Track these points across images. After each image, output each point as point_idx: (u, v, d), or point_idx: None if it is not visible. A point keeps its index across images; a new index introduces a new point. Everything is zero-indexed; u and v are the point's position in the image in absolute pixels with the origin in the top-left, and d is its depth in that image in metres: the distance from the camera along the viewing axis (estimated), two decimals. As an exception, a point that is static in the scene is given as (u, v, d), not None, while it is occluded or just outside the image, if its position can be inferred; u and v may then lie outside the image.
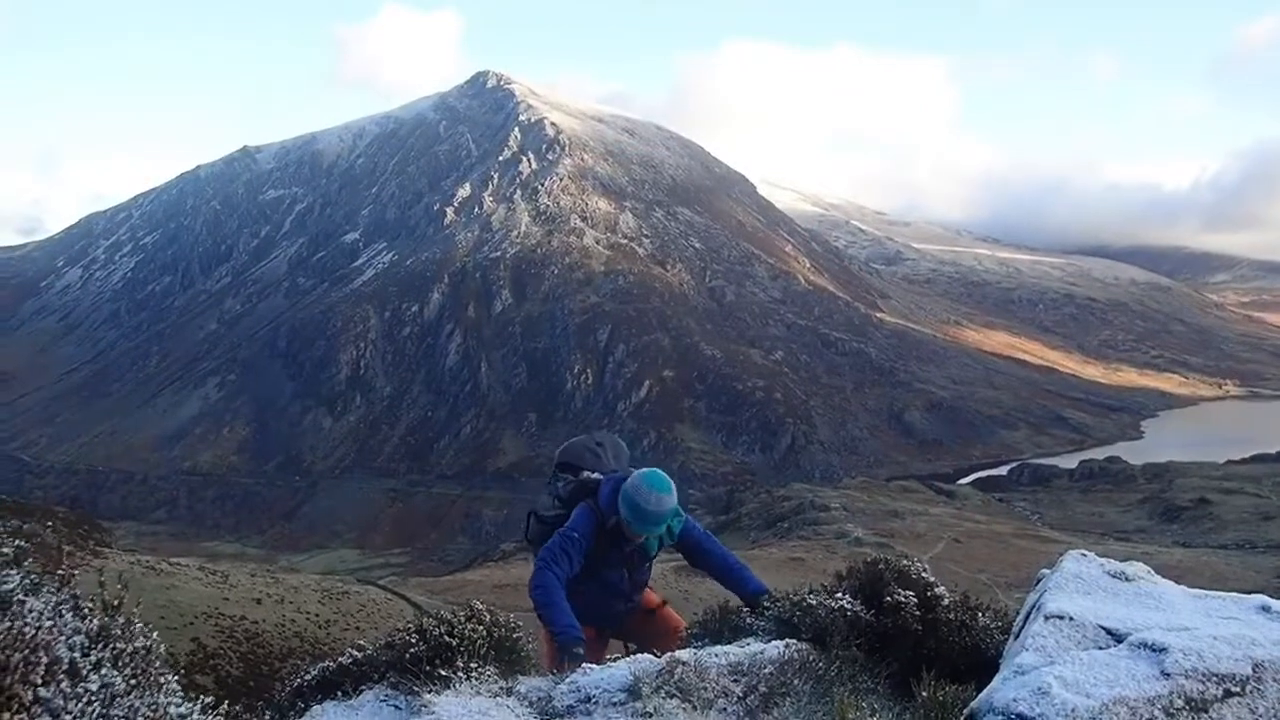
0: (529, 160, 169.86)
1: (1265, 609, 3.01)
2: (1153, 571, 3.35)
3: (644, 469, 5.26)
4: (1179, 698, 2.47)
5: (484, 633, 4.06)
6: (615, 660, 3.96)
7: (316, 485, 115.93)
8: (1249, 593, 3.24)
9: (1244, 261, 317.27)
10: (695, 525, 5.54)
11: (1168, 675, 2.52)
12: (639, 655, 3.89)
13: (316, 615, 27.47)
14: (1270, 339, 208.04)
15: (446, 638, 3.98)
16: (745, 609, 4.90)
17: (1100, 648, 2.78)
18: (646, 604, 5.65)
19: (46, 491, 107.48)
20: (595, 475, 5.51)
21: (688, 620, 5.60)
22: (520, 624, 4.43)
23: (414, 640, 4.02)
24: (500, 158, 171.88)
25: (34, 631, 2.19)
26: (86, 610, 2.52)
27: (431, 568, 79.63)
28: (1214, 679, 2.52)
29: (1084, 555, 3.43)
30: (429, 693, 3.61)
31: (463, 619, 4.12)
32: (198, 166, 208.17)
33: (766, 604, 4.60)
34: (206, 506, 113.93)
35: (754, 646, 3.87)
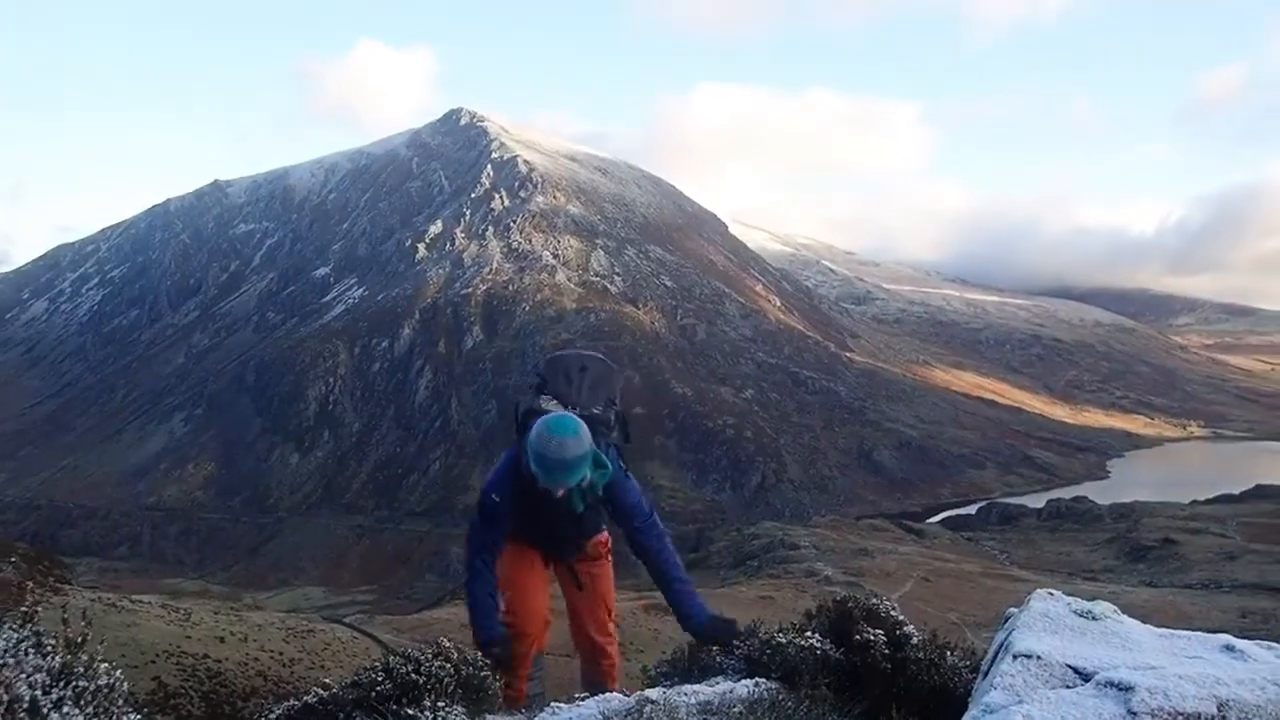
0: (501, 197, 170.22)
1: (1230, 648, 3.04)
2: (1119, 611, 3.37)
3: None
4: (1145, 736, 2.49)
5: (451, 671, 4.03)
6: (583, 699, 3.92)
7: (283, 522, 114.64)
8: (1214, 632, 3.26)
9: (1207, 304, 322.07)
10: (632, 489, 5.07)
11: (1134, 714, 2.54)
12: (608, 695, 3.85)
13: (281, 654, 27.07)
14: (1233, 381, 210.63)
15: (414, 676, 3.95)
16: (714, 648, 4.83)
17: (1068, 686, 2.79)
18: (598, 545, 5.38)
19: (7, 527, 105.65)
20: (549, 407, 5.08)
21: (654, 659, 5.48)
22: (488, 663, 4.40)
23: (381, 679, 3.98)
24: (472, 194, 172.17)
25: (-1, 668, 2.17)
26: (49, 648, 2.48)
27: (399, 605, 78.71)
28: (1180, 718, 2.53)
29: (1051, 594, 3.45)
30: (395, 732, 3.57)
31: (430, 657, 4.09)
32: (168, 200, 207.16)
33: (738, 643, 4.58)
34: (170, 543, 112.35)
35: (723, 685, 3.85)
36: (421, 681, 3.92)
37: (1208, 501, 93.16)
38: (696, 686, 3.86)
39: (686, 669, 4.74)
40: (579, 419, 4.80)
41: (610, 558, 5.40)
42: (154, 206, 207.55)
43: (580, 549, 5.31)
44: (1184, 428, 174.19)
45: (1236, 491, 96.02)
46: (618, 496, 5.04)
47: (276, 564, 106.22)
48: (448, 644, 4.27)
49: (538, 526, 5.06)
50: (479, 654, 4.54)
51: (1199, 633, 3.23)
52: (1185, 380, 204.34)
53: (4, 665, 2.19)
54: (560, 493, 4.75)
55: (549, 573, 5.34)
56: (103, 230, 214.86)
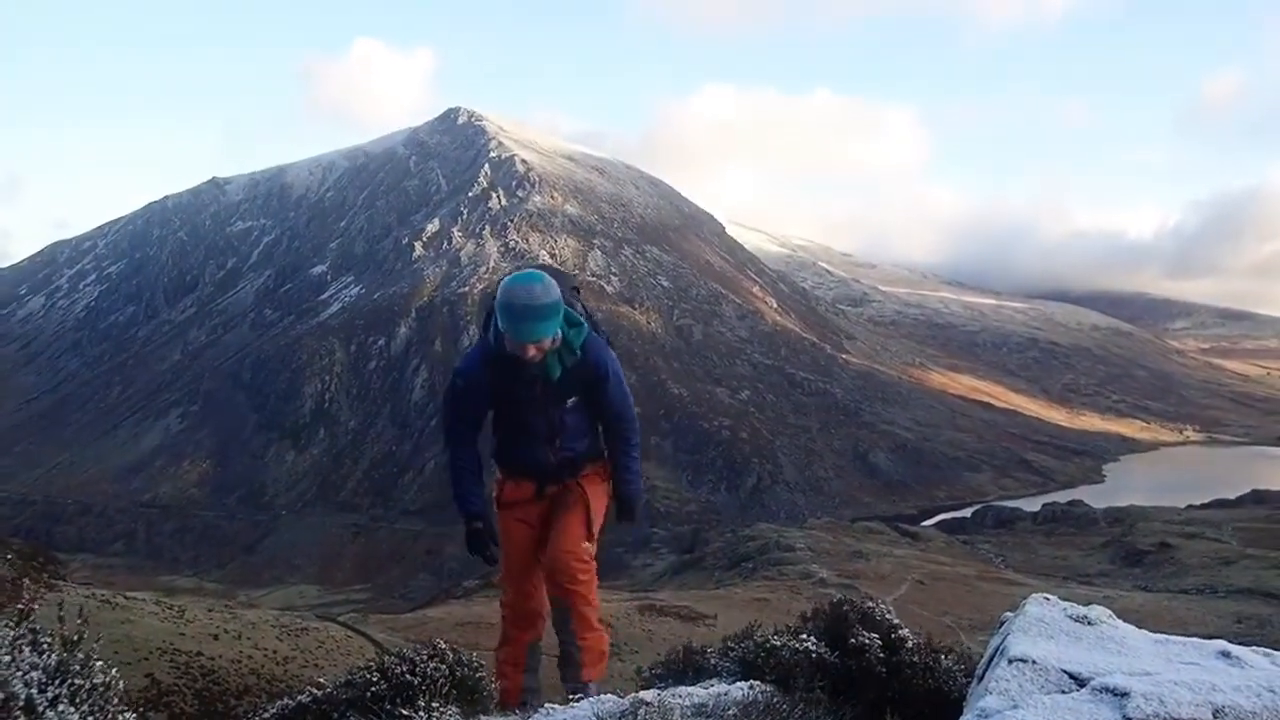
0: (498, 196, 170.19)
1: (1225, 654, 3.04)
2: (1115, 616, 3.37)
3: None
4: (1140, 742, 2.49)
5: (446, 671, 4.02)
6: (576, 699, 3.92)
7: (278, 519, 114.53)
8: (1209, 637, 3.27)
9: (1203, 309, 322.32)
10: (606, 356, 4.83)
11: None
12: (603, 696, 3.84)
13: (275, 652, 27.03)
14: (1229, 385, 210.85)
15: (408, 676, 3.95)
16: (708, 650, 4.86)
17: (1063, 691, 2.79)
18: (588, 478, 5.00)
19: (2, 523, 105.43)
20: None
21: (648, 661, 5.49)
22: (482, 663, 4.41)
23: (375, 678, 3.97)
24: (470, 193, 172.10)
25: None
26: (45, 645, 2.47)
27: (393, 604, 78.70)
28: (1175, 724, 2.53)
29: (1047, 599, 3.45)
30: (390, 732, 3.56)
31: (425, 657, 4.08)
32: (165, 197, 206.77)
33: (732, 645, 4.59)
34: (165, 540, 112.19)
35: (718, 688, 3.85)
36: (416, 682, 3.92)
37: (1203, 506, 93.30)
38: (691, 689, 3.86)
39: (680, 671, 4.74)
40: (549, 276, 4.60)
41: (608, 485, 5.08)
42: (151, 203, 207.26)
43: (575, 468, 4.97)
44: (1180, 432, 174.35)
45: (1232, 496, 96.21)
46: (595, 364, 4.77)
47: (271, 562, 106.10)
48: (443, 644, 4.27)
49: (518, 420, 4.81)
50: (463, 518, 4.83)
51: (1194, 638, 3.23)
52: (1182, 384, 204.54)
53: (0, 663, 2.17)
54: (532, 352, 4.51)
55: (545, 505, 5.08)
56: (100, 226, 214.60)
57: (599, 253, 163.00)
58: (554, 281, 4.54)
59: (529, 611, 4.98)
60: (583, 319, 4.76)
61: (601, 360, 4.79)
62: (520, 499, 4.98)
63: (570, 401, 4.79)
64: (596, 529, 4.96)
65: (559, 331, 4.58)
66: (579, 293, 5.03)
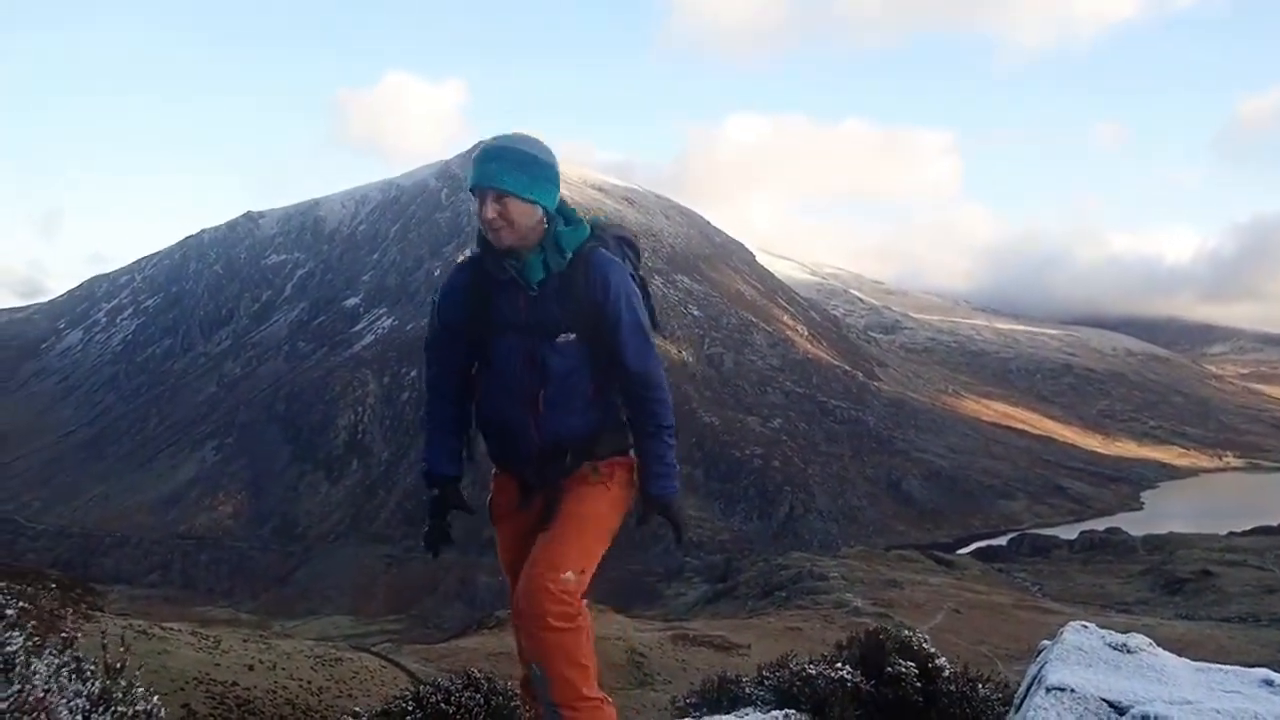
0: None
1: (1268, 683, 3.00)
2: (1154, 644, 3.34)
3: None
4: (1182, 772, 2.46)
5: (481, 701, 4.03)
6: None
7: (311, 550, 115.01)
8: (1252, 666, 3.23)
9: (1242, 333, 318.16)
10: (617, 278, 3.50)
11: (1170, 749, 2.51)
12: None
13: (309, 682, 27.10)
14: (1269, 411, 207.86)
15: (443, 706, 3.96)
16: (743, 679, 4.79)
17: (1102, 720, 2.76)
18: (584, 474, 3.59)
19: (40, 554, 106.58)
20: None
21: (683, 690, 5.27)
22: (517, 692, 4.40)
23: (411, 708, 3.99)
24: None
25: (40, 694, 2.19)
26: (88, 673, 2.49)
27: (426, 634, 78.68)
28: (1217, 753, 2.50)
29: (1085, 627, 3.42)
30: (425, 762, 3.57)
31: (460, 687, 4.09)
32: (201, 230, 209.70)
33: (767, 674, 4.55)
34: (200, 571, 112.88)
35: (752, 717, 3.84)
36: (451, 711, 3.92)
37: (1245, 533, 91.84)
38: (726, 718, 3.85)
39: (715, 700, 4.72)
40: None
41: (617, 489, 3.64)
42: (187, 237, 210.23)
43: (569, 459, 3.57)
44: (1219, 458, 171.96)
45: (1275, 523, 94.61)
46: (597, 281, 3.45)
47: (305, 592, 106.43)
48: (477, 674, 4.27)
49: (496, 362, 3.55)
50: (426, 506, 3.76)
51: (1236, 667, 3.19)
52: (1220, 410, 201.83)
53: (46, 691, 2.21)
54: (490, 213, 3.36)
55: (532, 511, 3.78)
56: (137, 261, 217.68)
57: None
58: (552, 151, 3.49)
59: None
60: (582, 221, 3.57)
61: (607, 279, 3.46)
62: (507, 508, 3.75)
63: (562, 339, 3.45)
64: (596, 553, 3.55)
65: (543, 210, 3.43)
66: (632, 247, 3.82)
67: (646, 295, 3.71)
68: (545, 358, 3.44)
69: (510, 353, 3.48)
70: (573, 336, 3.44)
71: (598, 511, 3.56)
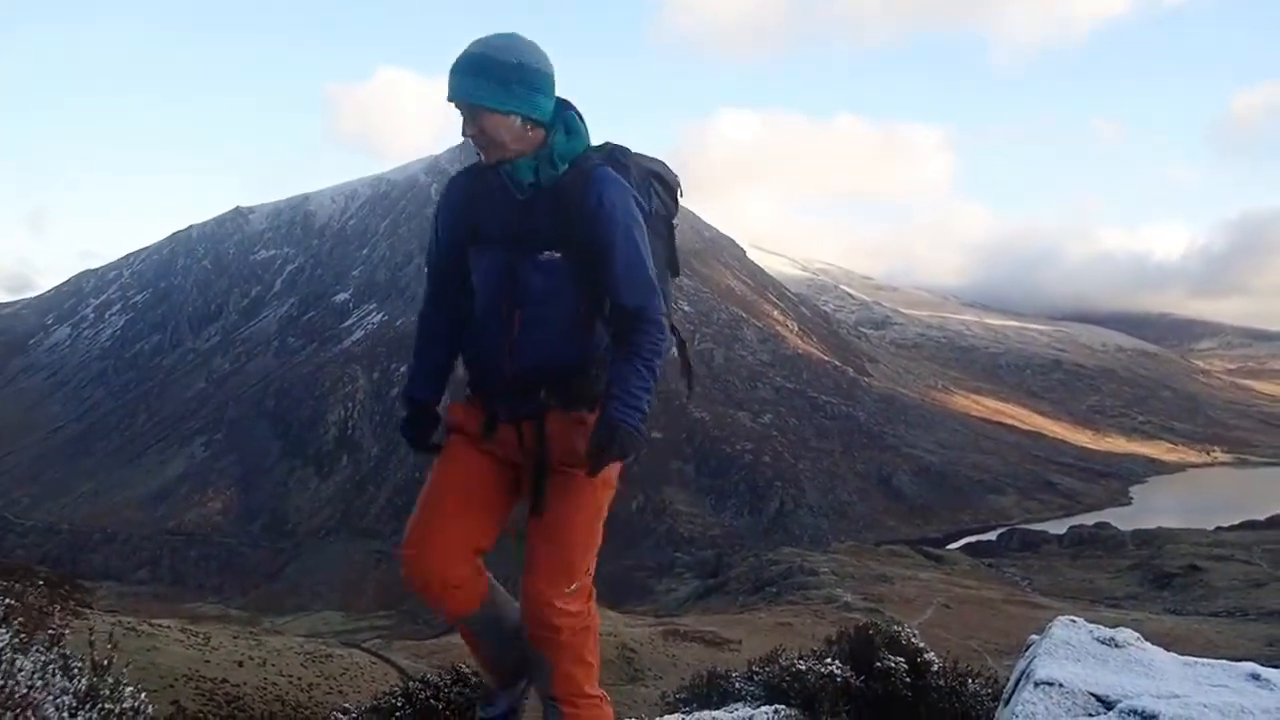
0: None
1: (1255, 676, 3.01)
2: (1142, 638, 3.35)
3: None
4: (1169, 766, 2.47)
5: (470, 697, 4.02)
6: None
7: (301, 546, 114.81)
8: (1239, 660, 3.24)
9: (1230, 329, 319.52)
10: (615, 193, 3.08)
11: (1158, 743, 2.52)
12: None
13: (299, 679, 27.08)
14: (1257, 406, 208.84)
15: (433, 702, 3.95)
16: (733, 674, 4.79)
17: (1090, 715, 2.77)
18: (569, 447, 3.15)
19: (28, 551, 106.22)
20: None
21: (673, 685, 5.22)
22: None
23: (400, 704, 3.98)
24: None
25: (25, 691, 2.18)
26: (75, 670, 2.47)
27: (417, 630, 78.62)
28: (1204, 747, 2.51)
29: (1073, 621, 3.43)
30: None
31: (449, 683, 4.09)
32: (190, 226, 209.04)
33: (757, 669, 4.55)
34: (189, 567, 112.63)
35: (742, 712, 3.84)
36: (440, 707, 3.92)
37: (1233, 528, 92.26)
38: (715, 713, 3.86)
39: (705, 695, 4.73)
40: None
41: (603, 485, 3.27)
42: (176, 233, 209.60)
43: (540, 393, 3.17)
44: (1208, 453, 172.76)
45: (1262, 518, 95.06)
46: (591, 195, 3.07)
47: (294, 588, 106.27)
48: (466, 669, 4.27)
49: (479, 274, 3.24)
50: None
51: (1224, 661, 3.20)
52: (1208, 405, 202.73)
53: (32, 688, 2.20)
54: (471, 129, 3.07)
55: (509, 498, 3.36)
56: (126, 256, 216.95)
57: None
58: (542, 53, 3.13)
59: (425, 574, 3.29)
60: (583, 134, 3.19)
61: (601, 197, 3.07)
62: (466, 428, 3.32)
63: (546, 256, 3.11)
64: (595, 549, 3.32)
65: (531, 120, 3.08)
66: (664, 183, 3.38)
67: (671, 237, 3.39)
68: (525, 275, 3.13)
69: (491, 268, 3.20)
70: (558, 255, 3.10)
71: (591, 506, 3.25)
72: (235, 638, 31.75)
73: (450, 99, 3.04)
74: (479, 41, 3.05)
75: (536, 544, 3.24)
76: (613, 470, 3.22)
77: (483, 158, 3.12)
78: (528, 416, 3.16)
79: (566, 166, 3.10)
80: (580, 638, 3.24)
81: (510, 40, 3.07)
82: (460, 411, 3.33)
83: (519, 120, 3.04)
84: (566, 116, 3.15)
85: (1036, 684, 2.93)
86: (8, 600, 2.57)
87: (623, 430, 2.99)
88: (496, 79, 2.99)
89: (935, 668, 4.22)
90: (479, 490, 3.28)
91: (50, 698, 2.27)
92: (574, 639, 3.22)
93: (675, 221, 3.40)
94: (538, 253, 3.09)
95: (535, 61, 3.07)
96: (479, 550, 3.33)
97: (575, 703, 3.28)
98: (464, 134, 3.08)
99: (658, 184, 3.32)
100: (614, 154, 3.25)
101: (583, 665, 3.27)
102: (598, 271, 3.08)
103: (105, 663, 2.59)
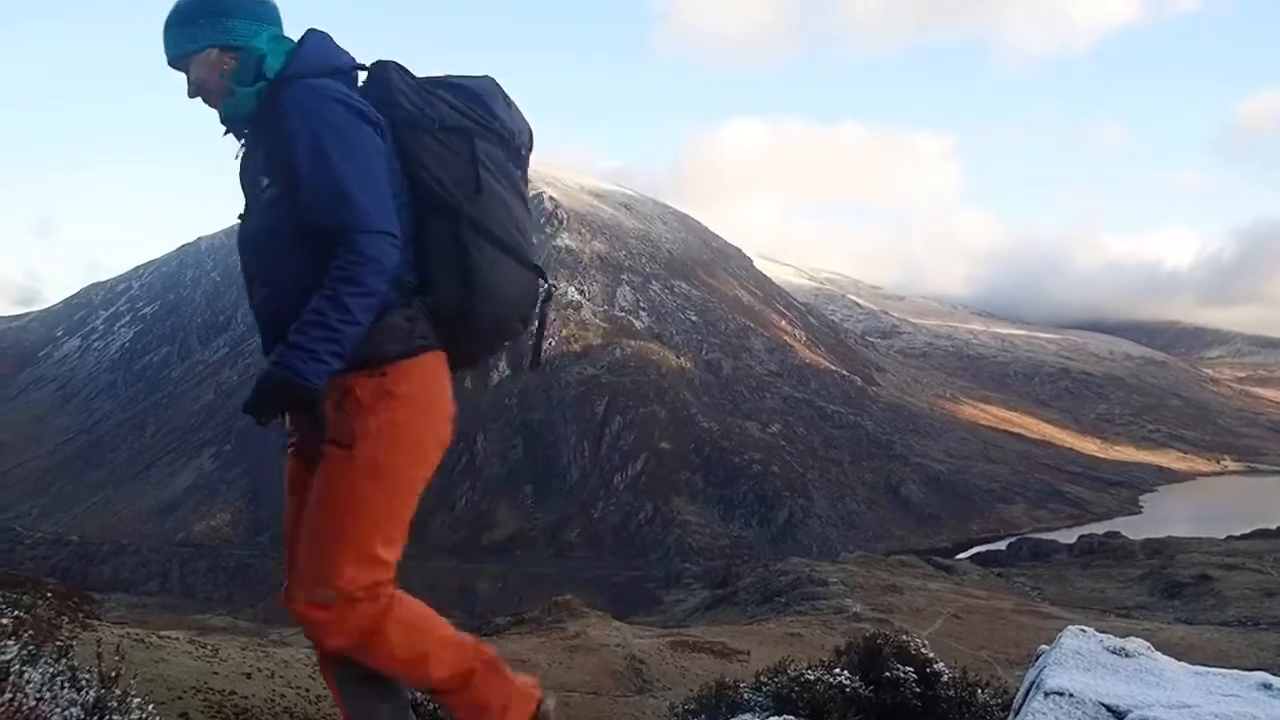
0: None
1: (1266, 686, 3.00)
2: (1153, 648, 3.33)
3: None
4: (1181, 776, 2.45)
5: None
6: None
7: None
8: (1251, 670, 3.22)
9: (1239, 337, 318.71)
10: (305, 88, 2.68)
11: (1169, 753, 2.50)
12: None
13: (308, 690, 27.03)
14: (1267, 414, 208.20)
15: (440, 712, 3.94)
16: (742, 685, 4.78)
17: (1101, 725, 2.76)
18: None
19: (38, 563, 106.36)
20: None
21: (683, 696, 5.22)
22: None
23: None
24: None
25: (33, 703, 2.17)
26: (84, 682, 2.45)
27: (425, 642, 78.60)
28: (1216, 757, 2.50)
29: (1084, 631, 3.42)
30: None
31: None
32: (198, 238, 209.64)
33: (765, 680, 4.53)
34: (198, 579, 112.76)
35: (752, 723, 3.83)
36: (447, 717, 3.92)
37: (1244, 537, 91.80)
38: (725, 724, 3.85)
39: (714, 706, 4.72)
40: None
41: (372, 441, 2.72)
42: (184, 245, 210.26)
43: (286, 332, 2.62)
44: (1218, 461, 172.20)
45: (1273, 526, 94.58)
46: (282, 114, 2.67)
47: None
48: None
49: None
50: None
51: (1235, 670, 3.19)
52: (1218, 413, 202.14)
53: (40, 699, 2.18)
54: (190, 88, 2.82)
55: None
56: (134, 268, 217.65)
57: (628, 288, 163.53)
58: None
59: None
60: (282, 49, 2.79)
61: (284, 101, 2.68)
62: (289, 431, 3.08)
63: (266, 185, 2.72)
64: (345, 538, 2.74)
65: (226, 46, 2.76)
66: (409, 80, 2.88)
67: (469, 150, 2.82)
68: (258, 205, 2.77)
69: (239, 233, 2.88)
70: (274, 190, 2.69)
71: (340, 489, 2.74)
72: (243, 649, 31.74)
73: (170, 67, 2.82)
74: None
75: (300, 533, 2.85)
76: (378, 442, 2.72)
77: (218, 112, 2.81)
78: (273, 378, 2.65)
79: (261, 87, 2.73)
80: (379, 643, 2.74)
81: None
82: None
83: (216, 53, 2.75)
84: (275, 42, 2.79)
85: (1047, 694, 2.92)
86: (17, 612, 2.58)
87: (269, 380, 2.58)
88: (184, 21, 2.76)
89: (945, 678, 4.20)
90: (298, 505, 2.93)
91: (58, 709, 2.26)
92: (371, 647, 2.74)
93: (506, 133, 2.93)
94: (261, 182, 2.74)
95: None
96: None
97: (440, 691, 2.88)
98: (189, 97, 2.81)
99: (447, 92, 2.86)
100: (346, 67, 2.83)
101: (409, 663, 2.79)
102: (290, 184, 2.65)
103: (113, 674, 2.56)
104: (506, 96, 3.01)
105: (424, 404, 2.79)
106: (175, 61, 2.80)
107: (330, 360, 2.53)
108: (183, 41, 2.76)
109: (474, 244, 2.75)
